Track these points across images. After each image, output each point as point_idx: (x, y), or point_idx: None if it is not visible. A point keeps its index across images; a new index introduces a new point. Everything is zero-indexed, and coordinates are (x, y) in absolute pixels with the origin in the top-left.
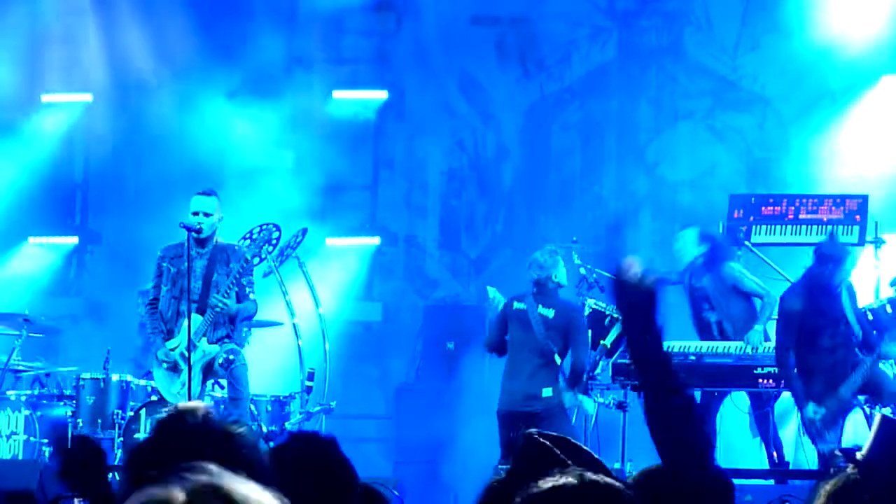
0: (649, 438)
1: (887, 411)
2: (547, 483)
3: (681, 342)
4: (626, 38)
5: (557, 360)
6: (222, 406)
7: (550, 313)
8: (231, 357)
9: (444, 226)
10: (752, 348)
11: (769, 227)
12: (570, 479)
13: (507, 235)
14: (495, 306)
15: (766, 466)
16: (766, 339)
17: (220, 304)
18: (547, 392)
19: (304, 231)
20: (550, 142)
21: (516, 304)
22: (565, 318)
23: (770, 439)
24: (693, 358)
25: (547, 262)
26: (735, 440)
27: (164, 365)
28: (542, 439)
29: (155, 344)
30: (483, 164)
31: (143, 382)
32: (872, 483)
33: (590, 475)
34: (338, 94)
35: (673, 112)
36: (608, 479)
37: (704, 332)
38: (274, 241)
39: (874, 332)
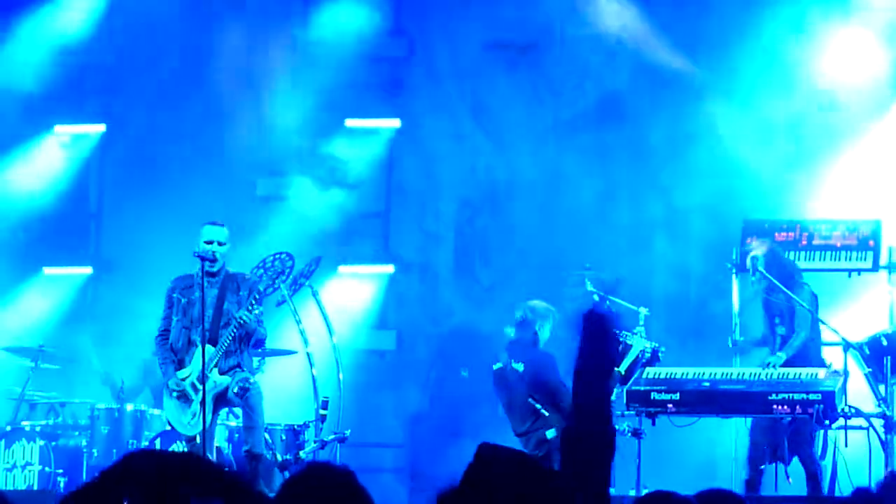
0: (665, 465)
1: None
2: None
3: (694, 369)
4: (639, 63)
5: (545, 412)
6: (236, 435)
7: (521, 367)
8: (246, 385)
9: (459, 253)
10: (767, 374)
11: (783, 252)
12: None
13: (521, 262)
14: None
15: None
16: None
17: (245, 318)
18: (551, 433)
19: (318, 260)
20: (564, 168)
21: (495, 366)
22: (533, 369)
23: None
24: (707, 384)
25: (540, 310)
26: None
27: (174, 394)
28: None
29: (166, 374)
30: (497, 191)
31: (157, 412)
32: None
33: None
34: (350, 122)
35: (687, 137)
36: None
37: (766, 344)
38: (287, 271)
39: (888, 357)
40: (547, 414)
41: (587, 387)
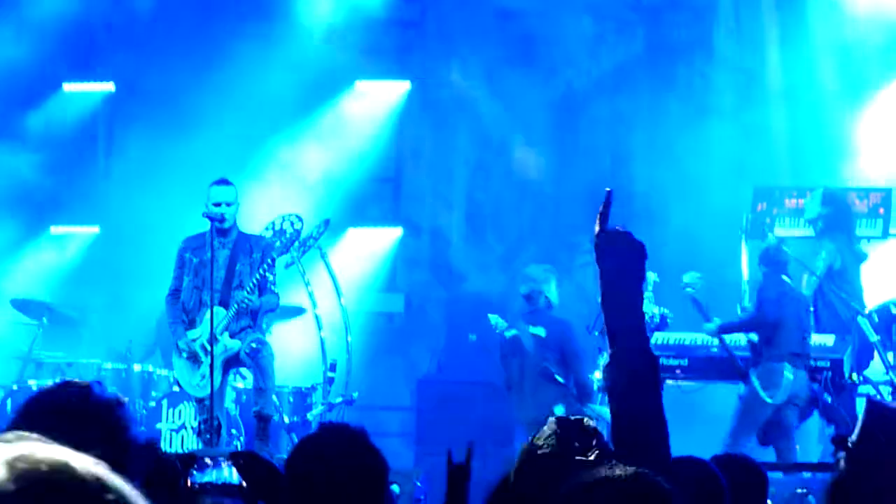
0: (682, 433)
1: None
2: (600, 473)
3: (703, 335)
4: (654, 32)
5: (559, 379)
6: (244, 397)
7: (542, 332)
8: (258, 346)
9: (470, 218)
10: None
11: (792, 219)
12: (622, 472)
13: (533, 229)
14: (502, 334)
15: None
16: None
17: (246, 301)
18: (559, 410)
19: (327, 222)
20: (578, 136)
21: (507, 334)
22: (557, 335)
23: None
24: (715, 350)
25: (539, 276)
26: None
27: (184, 354)
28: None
29: (175, 333)
30: (510, 158)
31: (164, 373)
32: (862, 473)
33: (642, 471)
34: (361, 84)
35: (701, 107)
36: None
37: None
38: (297, 235)
39: None
40: (561, 381)
41: (619, 309)
